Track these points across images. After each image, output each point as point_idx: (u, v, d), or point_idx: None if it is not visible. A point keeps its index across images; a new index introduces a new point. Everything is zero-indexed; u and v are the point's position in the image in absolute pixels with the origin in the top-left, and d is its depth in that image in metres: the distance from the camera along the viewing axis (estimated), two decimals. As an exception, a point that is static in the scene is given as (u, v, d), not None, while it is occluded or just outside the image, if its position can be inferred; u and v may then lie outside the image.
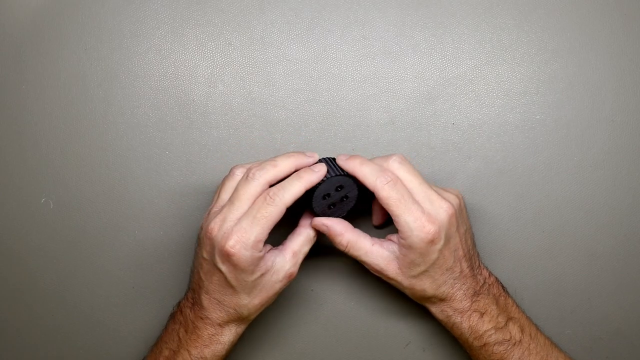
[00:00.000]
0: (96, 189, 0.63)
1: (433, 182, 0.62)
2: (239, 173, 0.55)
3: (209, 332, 0.55)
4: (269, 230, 0.52)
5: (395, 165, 0.54)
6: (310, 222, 0.56)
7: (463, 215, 0.56)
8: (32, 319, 0.64)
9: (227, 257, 0.51)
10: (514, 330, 0.55)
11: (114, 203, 0.63)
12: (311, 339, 0.63)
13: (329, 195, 0.56)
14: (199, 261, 0.55)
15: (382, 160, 0.54)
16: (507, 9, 0.62)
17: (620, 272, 0.62)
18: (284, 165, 0.54)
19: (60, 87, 0.63)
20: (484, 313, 0.55)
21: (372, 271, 0.56)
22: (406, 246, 0.53)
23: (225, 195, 0.55)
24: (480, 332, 0.55)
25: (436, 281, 0.54)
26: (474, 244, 0.57)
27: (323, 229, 0.55)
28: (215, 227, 0.52)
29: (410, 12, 0.62)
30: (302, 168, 0.54)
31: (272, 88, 0.63)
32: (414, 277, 0.54)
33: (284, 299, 0.63)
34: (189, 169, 0.63)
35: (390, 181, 0.52)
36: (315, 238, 0.56)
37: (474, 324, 0.55)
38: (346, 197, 0.56)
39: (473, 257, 0.56)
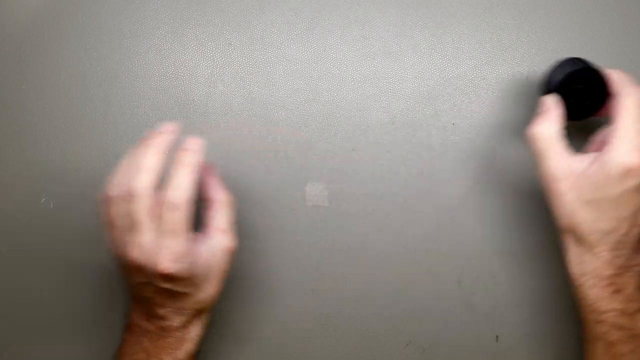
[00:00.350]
0: (96, 189, 0.63)
1: (433, 181, 0.62)
2: (132, 191, 0.50)
3: (176, 337, 0.53)
4: (188, 231, 0.50)
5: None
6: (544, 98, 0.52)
7: None
8: (31, 319, 0.64)
9: (168, 277, 0.49)
10: None
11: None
12: (311, 339, 0.63)
13: (571, 86, 0.53)
14: (136, 284, 0.52)
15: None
16: (507, 9, 0.62)
17: (620, 272, 0.62)
18: (150, 161, 0.51)
19: (60, 87, 0.63)
20: (619, 290, 0.48)
21: (542, 173, 0.51)
22: (601, 161, 0.47)
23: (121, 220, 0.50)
24: (604, 309, 0.49)
25: (600, 221, 0.48)
26: None
27: (549, 104, 0.52)
28: (137, 254, 0.49)
29: (410, 12, 0.62)
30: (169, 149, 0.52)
31: (272, 88, 0.63)
32: (582, 202, 0.48)
33: (284, 298, 0.63)
34: (189, 169, 0.63)
35: (632, 95, 0.48)
36: (234, 201, 0.54)
37: (603, 296, 0.48)
38: (583, 97, 0.53)
39: None
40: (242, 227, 0.63)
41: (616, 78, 0.51)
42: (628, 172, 0.46)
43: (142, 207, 0.49)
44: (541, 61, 0.62)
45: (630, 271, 0.49)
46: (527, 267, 0.62)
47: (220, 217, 0.53)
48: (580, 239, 0.50)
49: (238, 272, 0.63)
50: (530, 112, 0.62)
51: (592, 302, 0.49)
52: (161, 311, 0.52)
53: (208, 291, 0.53)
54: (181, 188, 0.50)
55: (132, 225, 0.50)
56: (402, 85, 0.62)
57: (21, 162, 0.64)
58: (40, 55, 0.63)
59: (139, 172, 0.50)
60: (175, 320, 0.52)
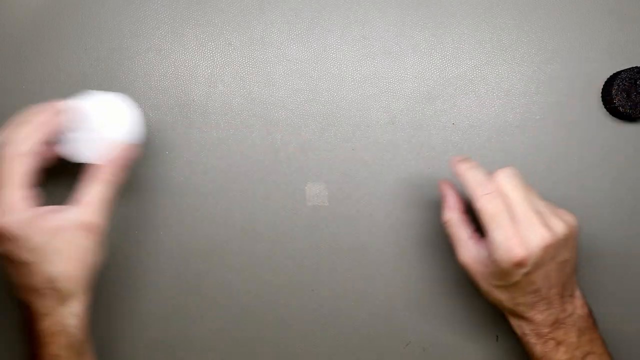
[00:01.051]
0: (96, 189, 0.63)
1: (433, 181, 0.62)
2: None
3: (43, 328, 0.49)
4: (20, 186, 0.47)
5: (502, 177, 0.51)
6: (440, 182, 0.54)
7: (569, 245, 0.51)
8: (32, 319, 0.64)
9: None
10: None
11: (113, 203, 0.63)
12: (311, 339, 0.63)
13: (629, 90, 0.57)
14: None
15: (496, 173, 0.52)
16: (507, 9, 0.62)
17: (620, 272, 0.62)
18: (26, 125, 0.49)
19: (60, 87, 0.63)
20: (561, 343, 0.52)
21: (457, 260, 0.54)
22: (492, 260, 0.50)
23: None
24: None
25: (515, 299, 0.52)
26: (572, 274, 0.53)
27: (442, 191, 0.55)
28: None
29: (410, 12, 0.62)
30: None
31: (272, 88, 0.63)
32: (494, 286, 0.52)
33: (284, 298, 0.63)
34: (189, 169, 0.63)
35: (490, 194, 0.50)
36: (112, 179, 0.50)
37: (548, 350, 0.52)
38: None
39: (567, 284, 0.52)
40: (242, 227, 0.63)
41: (463, 180, 0.52)
42: (517, 265, 0.49)
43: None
44: (541, 61, 0.62)
45: (564, 324, 0.52)
46: (527, 267, 0.62)
47: (88, 190, 0.49)
48: (507, 311, 0.53)
49: (238, 271, 0.63)
50: (531, 112, 0.62)
51: (540, 355, 0.52)
52: (21, 294, 0.49)
53: (60, 266, 0.48)
54: (19, 141, 0.48)
55: None
56: (402, 85, 0.62)
57: (21, 162, 0.63)
58: (40, 55, 0.63)
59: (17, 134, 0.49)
60: (38, 304, 0.49)
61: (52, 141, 0.53)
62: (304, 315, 0.63)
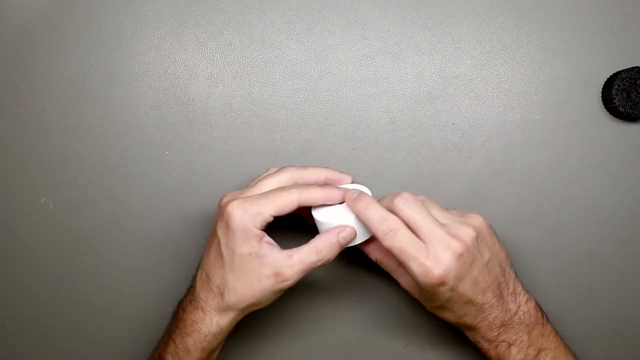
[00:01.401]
0: (96, 189, 0.63)
1: (433, 181, 0.62)
2: (286, 172, 0.56)
3: (192, 318, 0.54)
4: (274, 211, 0.51)
5: (399, 207, 0.52)
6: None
7: (487, 244, 0.53)
8: (31, 318, 0.64)
9: (226, 217, 0.51)
10: None
11: (114, 203, 0.63)
12: (311, 339, 0.63)
13: (629, 89, 0.58)
14: (210, 233, 0.55)
15: (390, 199, 0.53)
16: (507, 9, 0.62)
17: (621, 272, 0.62)
18: (314, 171, 0.56)
19: (60, 87, 0.63)
20: (512, 344, 0.53)
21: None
22: (417, 285, 0.52)
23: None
24: None
25: (456, 313, 0.53)
26: (504, 270, 0.54)
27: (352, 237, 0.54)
28: (228, 196, 0.53)
29: (410, 12, 0.62)
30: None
31: (272, 88, 0.63)
32: (433, 307, 0.54)
33: (285, 298, 0.63)
34: (189, 169, 0.63)
35: (391, 231, 0.50)
36: (323, 255, 0.53)
37: (501, 353, 0.54)
38: None
39: (502, 284, 0.53)
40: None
41: (364, 220, 0.52)
42: (439, 284, 0.50)
43: (273, 180, 0.55)
44: (541, 61, 0.62)
45: (511, 324, 0.53)
46: (526, 266, 0.62)
47: (303, 252, 0.52)
48: (458, 325, 0.55)
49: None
50: (531, 112, 0.62)
51: (495, 359, 0.55)
52: (198, 279, 0.54)
53: (236, 283, 0.52)
54: (307, 191, 0.53)
55: (254, 184, 0.55)
56: (402, 85, 0.62)
57: (21, 162, 0.63)
58: (40, 55, 0.63)
59: (301, 168, 0.56)
60: (201, 294, 0.54)
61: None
62: (304, 315, 0.63)
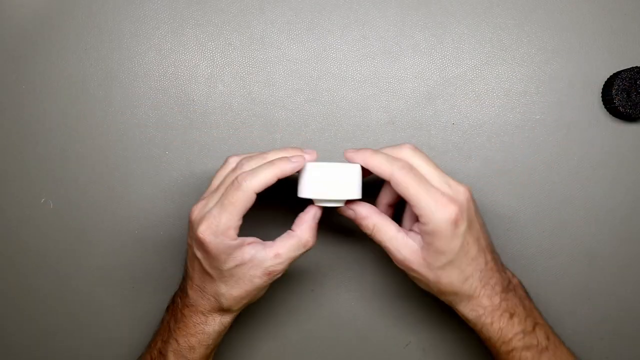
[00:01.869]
0: (96, 189, 0.63)
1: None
2: (232, 162, 0.54)
3: (194, 321, 0.55)
4: (239, 217, 0.50)
5: (408, 152, 0.51)
6: (337, 208, 0.54)
7: (476, 207, 0.53)
8: (32, 318, 0.64)
9: (200, 243, 0.51)
10: (541, 336, 0.53)
11: (114, 203, 0.63)
12: (311, 339, 0.63)
13: (629, 89, 0.58)
14: (187, 248, 0.55)
15: (393, 150, 0.52)
16: (507, 9, 0.62)
17: (621, 272, 0.62)
18: (272, 157, 0.53)
19: (60, 87, 0.63)
20: (513, 314, 0.52)
21: (396, 262, 0.53)
22: (429, 232, 0.49)
23: (215, 182, 0.54)
24: (510, 336, 0.52)
25: (463, 272, 0.51)
26: (492, 243, 0.55)
27: (349, 212, 0.54)
28: (195, 210, 0.52)
29: (410, 12, 0.62)
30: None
31: (272, 88, 0.63)
32: (440, 268, 0.51)
33: (284, 298, 0.63)
34: (189, 169, 0.63)
35: (406, 166, 0.49)
36: (309, 244, 0.53)
37: (503, 325, 0.52)
38: None
39: (494, 252, 0.54)
40: (242, 226, 0.63)
41: (373, 165, 0.51)
42: (455, 222, 0.49)
43: (222, 173, 0.53)
44: (541, 61, 0.62)
45: (510, 291, 0.53)
46: (527, 266, 0.62)
47: (286, 245, 0.53)
48: (459, 295, 0.52)
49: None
50: (531, 112, 0.62)
51: (497, 335, 0.52)
52: (190, 288, 0.54)
53: (231, 291, 0.53)
54: (256, 178, 0.50)
55: (217, 187, 0.53)
56: (402, 85, 0.62)
57: (21, 162, 0.64)
58: (40, 55, 0.63)
59: (258, 157, 0.53)
60: (198, 301, 0.54)
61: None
62: (304, 315, 0.63)
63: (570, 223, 0.62)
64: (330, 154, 0.62)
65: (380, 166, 0.50)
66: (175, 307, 0.56)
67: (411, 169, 0.50)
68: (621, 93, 0.59)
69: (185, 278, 0.56)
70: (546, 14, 0.62)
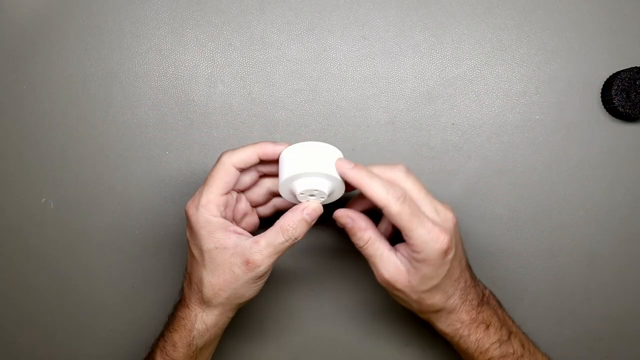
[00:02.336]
0: (96, 189, 0.63)
1: (433, 181, 0.62)
2: (221, 157, 0.54)
3: (179, 315, 0.55)
4: (219, 191, 0.51)
5: (401, 176, 0.52)
6: (334, 213, 0.54)
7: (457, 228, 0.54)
8: (32, 318, 0.64)
9: (187, 220, 0.52)
10: (516, 344, 0.54)
11: (114, 203, 0.63)
12: (311, 339, 0.63)
13: (629, 90, 0.58)
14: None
15: (386, 170, 0.52)
16: (507, 9, 0.62)
17: (620, 272, 0.62)
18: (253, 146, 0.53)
19: (60, 87, 0.63)
20: (489, 325, 0.54)
21: (380, 279, 0.53)
22: (420, 259, 0.50)
23: None
24: (487, 346, 0.53)
25: (446, 293, 0.52)
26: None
27: (347, 220, 0.53)
28: (189, 202, 0.53)
29: (410, 12, 0.62)
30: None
31: (272, 88, 0.63)
32: (425, 291, 0.52)
33: (284, 298, 0.63)
34: (189, 169, 0.63)
35: (402, 196, 0.49)
36: (293, 234, 0.52)
37: (480, 336, 0.53)
38: None
39: (470, 266, 0.55)
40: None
41: (368, 189, 0.50)
42: (446, 251, 0.50)
43: (213, 169, 0.53)
44: (541, 61, 0.62)
45: (485, 303, 0.54)
46: (526, 266, 0.62)
47: (269, 235, 0.52)
48: (439, 312, 0.54)
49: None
50: (530, 112, 0.62)
51: (475, 346, 0.54)
52: (186, 276, 0.55)
53: (211, 278, 0.52)
54: (236, 152, 0.52)
55: (204, 181, 0.53)
56: (402, 85, 0.62)
57: (21, 162, 0.64)
58: (40, 55, 0.63)
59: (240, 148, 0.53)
60: (186, 291, 0.55)
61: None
62: (304, 315, 0.63)
63: (570, 223, 0.62)
64: (330, 154, 0.62)
65: (376, 192, 0.50)
66: (176, 303, 0.57)
67: (405, 199, 0.50)
68: (620, 93, 0.59)
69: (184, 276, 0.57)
70: (546, 14, 0.62)
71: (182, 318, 0.54)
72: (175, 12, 0.63)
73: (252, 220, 0.58)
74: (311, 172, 0.51)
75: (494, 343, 0.53)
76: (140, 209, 0.63)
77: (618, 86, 0.59)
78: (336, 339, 0.63)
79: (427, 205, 0.51)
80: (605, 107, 0.61)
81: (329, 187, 0.52)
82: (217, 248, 0.52)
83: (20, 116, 0.63)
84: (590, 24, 0.62)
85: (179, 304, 0.56)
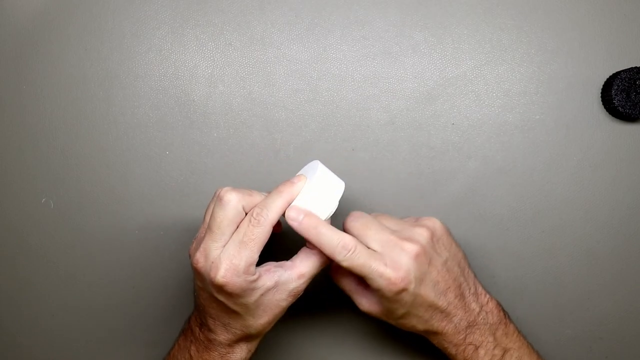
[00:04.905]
0: (96, 189, 0.63)
1: (433, 181, 0.62)
2: (227, 198, 0.50)
3: (219, 352, 0.53)
4: (259, 252, 0.50)
5: (349, 224, 0.53)
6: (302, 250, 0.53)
7: (443, 244, 0.54)
8: (32, 319, 0.64)
9: (221, 288, 0.49)
10: None
11: (114, 203, 0.63)
12: (311, 339, 0.63)
13: (629, 90, 0.58)
14: (197, 288, 0.53)
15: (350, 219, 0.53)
16: (507, 9, 0.62)
17: (620, 272, 0.62)
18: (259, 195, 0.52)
19: (60, 87, 0.63)
20: (479, 346, 0.54)
21: (361, 310, 0.55)
22: (380, 296, 0.52)
23: (208, 218, 0.52)
24: None
25: (422, 317, 0.53)
26: (463, 270, 0.55)
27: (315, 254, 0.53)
28: (201, 258, 0.50)
29: (410, 12, 0.62)
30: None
31: (272, 88, 0.63)
32: (399, 317, 0.53)
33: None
34: (189, 169, 0.63)
35: (349, 251, 0.50)
36: (327, 262, 0.52)
37: (468, 356, 0.54)
38: None
39: (463, 284, 0.54)
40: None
41: (317, 245, 0.50)
42: (402, 290, 0.50)
43: (227, 215, 0.49)
44: (541, 61, 0.62)
45: (477, 325, 0.54)
46: (526, 266, 0.62)
47: (307, 263, 0.52)
48: (423, 334, 0.55)
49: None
50: (530, 112, 0.62)
51: None
52: (212, 324, 0.53)
53: (260, 320, 0.52)
54: (272, 210, 0.50)
55: (209, 228, 0.50)
56: (402, 85, 0.62)
57: (21, 162, 0.64)
58: (41, 55, 0.63)
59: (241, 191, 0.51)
60: (222, 336, 0.53)
61: None
62: (304, 315, 0.63)
63: (570, 223, 0.62)
64: (330, 154, 0.62)
65: (325, 250, 0.50)
66: (195, 336, 0.55)
67: (353, 251, 0.50)
68: (620, 93, 0.59)
69: (201, 312, 0.54)
70: (546, 14, 0.62)
71: (225, 354, 0.53)
72: (175, 12, 0.63)
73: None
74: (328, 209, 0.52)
75: None
76: (140, 209, 0.63)
77: (618, 86, 0.59)
78: (336, 339, 0.63)
79: (379, 242, 0.51)
80: (605, 107, 0.61)
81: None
82: (262, 295, 0.51)
83: (20, 116, 0.63)
84: (590, 24, 0.62)
85: (211, 343, 0.53)
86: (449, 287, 0.53)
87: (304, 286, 0.52)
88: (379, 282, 0.50)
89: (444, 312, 0.53)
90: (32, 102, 0.64)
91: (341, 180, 0.53)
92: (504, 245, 0.62)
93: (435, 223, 0.54)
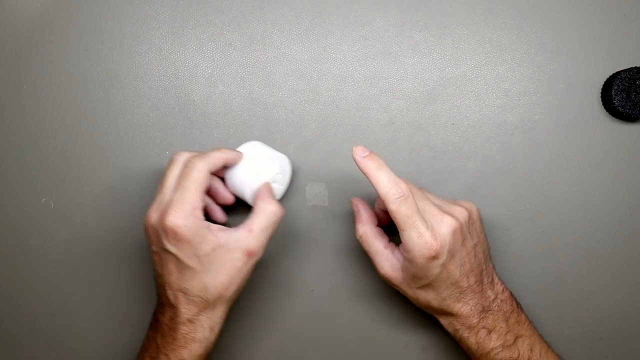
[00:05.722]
0: (96, 189, 0.63)
1: (433, 181, 0.62)
2: (180, 160, 0.54)
3: (182, 332, 0.53)
4: (201, 196, 0.51)
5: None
6: (352, 199, 0.57)
7: (476, 228, 0.55)
8: (31, 319, 0.64)
9: (172, 233, 0.51)
10: (522, 348, 0.54)
11: (114, 203, 0.63)
12: (311, 339, 0.63)
13: (629, 90, 0.58)
14: (153, 259, 0.54)
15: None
16: (507, 9, 0.62)
17: (620, 272, 0.62)
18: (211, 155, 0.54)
19: (60, 87, 0.63)
20: (491, 330, 0.54)
21: (379, 274, 0.56)
22: (408, 259, 0.52)
23: (167, 183, 0.54)
24: (487, 349, 0.54)
25: (440, 294, 0.54)
26: (486, 258, 0.56)
27: (354, 208, 0.56)
28: (151, 213, 0.52)
29: (410, 12, 0.62)
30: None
31: (272, 88, 0.63)
32: (418, 288, 0.54)
33: (284, 298, 0.63)
34: (189, 169, 0.63)
35: (402, 196, 0.50)
36: (278, 213, 0.53)
37: (481, 340, 0.54)
38: None
39: (484, 271, 0.55)
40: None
41: (375, 180, 0.51)
42: (433, 257, 0.51)
43: (170, 173, 0.53)
44: (541, 61, 0.62)
45: (491, 310, 0.55)
46: (526, 266, 0.62)
47: (255, 220, 0.53)
48: (437, 311, 0.56)
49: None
50: (530, 112, 0.62)
51: (475, 347, 0.54)
52: (171, 296, 0.53)
53: (215, 279, 0.52)
54: (208, 157, 0.53)
55: (160, 185, 0.53)
56: (402, 85, 0.62)
57: (21, 162, 0.64)
58: (41, 55, 0.63)
59: (202, 154, 0.54)
60: (182, 308, 0.53)
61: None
62: (304, 315, 0.63)
63: (570, 223, 0.62)
64: (330, 153, 0.62)
65: (380, 185, 0.51)
66: (159, 323, 0.55)
67: (407, 198, 0.51)
68: (620, 93, 0.59)
69: (161, 293, 0.55)
70: (546, 14, 0.62)
71: (188, 333, 0.53)
72: (175, 12, 0.63)
73: (219, 214, 0.60)
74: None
75: (495, 347, 0.54)
76: (140, 209, 0.63)
77: (618, 86, 0.59)
78: (336, 339, 0.63)
79: (427, 207, 0.52)
80: (605, 107, 0.61)
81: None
82: (213, 249, 0.52)
83: (20, 116, 0.63)
84: (590, 24, 0.62)
85: (175, 322, 0.53)
86: (473, 271, 0.54)
87: (256, 243, 0.52)
88: (415, 240, 0.51)
89: (462, 293, 0.53)
90: (32, 102, 0.64)
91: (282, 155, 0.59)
92: (504, 245, 0.62)
93: (472, 207, 0.55)
